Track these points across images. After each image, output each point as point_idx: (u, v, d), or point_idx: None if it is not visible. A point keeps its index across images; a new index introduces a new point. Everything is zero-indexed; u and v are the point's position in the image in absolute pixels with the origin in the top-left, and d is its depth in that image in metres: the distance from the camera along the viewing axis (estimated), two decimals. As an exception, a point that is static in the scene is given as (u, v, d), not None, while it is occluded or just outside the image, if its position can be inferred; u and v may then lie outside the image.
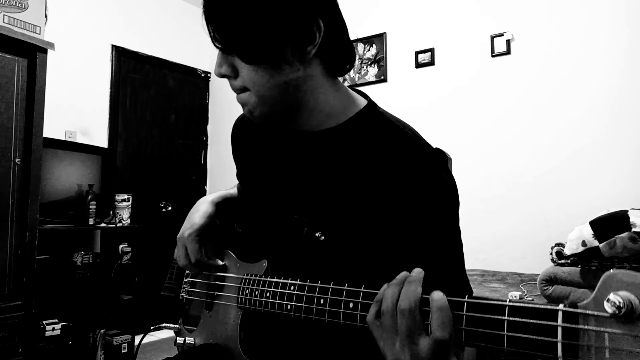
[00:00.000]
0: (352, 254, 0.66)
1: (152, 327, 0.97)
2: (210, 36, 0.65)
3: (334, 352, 0.70)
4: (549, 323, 0.40)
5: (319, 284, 0.61)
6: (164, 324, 0.91)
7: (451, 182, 0.68)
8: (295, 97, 0.68)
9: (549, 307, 0.41)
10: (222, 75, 0.68)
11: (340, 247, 0.67)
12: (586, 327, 0.38)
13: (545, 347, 0.40)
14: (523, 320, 0.42)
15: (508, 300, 0.44)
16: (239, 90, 0.68)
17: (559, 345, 0.39)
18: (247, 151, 0.85)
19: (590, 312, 0.38)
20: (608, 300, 0.37)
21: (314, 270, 0.64)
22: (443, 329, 0.46)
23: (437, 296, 0.48)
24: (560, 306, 0.40)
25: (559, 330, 0.40)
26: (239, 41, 0.63)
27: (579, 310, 0.39)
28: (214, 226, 0.86)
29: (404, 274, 0.53)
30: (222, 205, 0.89)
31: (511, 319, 0.43)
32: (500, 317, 0.44)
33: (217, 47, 0.66)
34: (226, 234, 0.87)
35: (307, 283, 0.62)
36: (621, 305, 0.36)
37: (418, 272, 0.52)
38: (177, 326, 0.89)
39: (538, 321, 0.41)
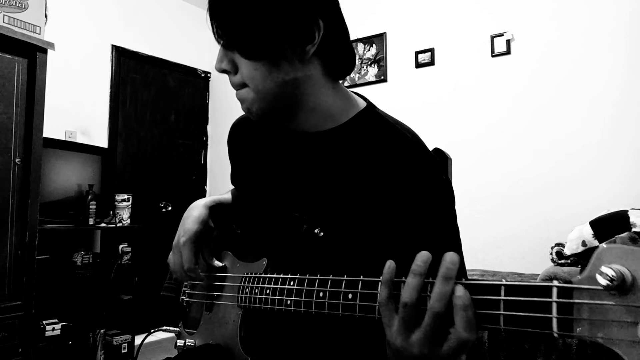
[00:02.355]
0: (351, 251, 0.66)
1: (152, 330, 0.97)
2: (213, 31, 0.66)
3: (334, 349, 0.70)
4: (544, 300, 0.41)
5: (318, 277, 0.61)
6: (165, 327, 0.91)
7: (448, 182, 0.69)
8: (293, 96, 0.68)
9: (543, 284, 0.41)
10: (222, 70, 0.69)
11: (339, 243, 0.67)
12: (579, 300, 0.39)
13: (541, 323, 0.41)
14: (519, 298, 0.42)
15: (503, 280, 0.44)
16: (238, 86, 0.69)
17: (554, 321, 0.40)
18: (245, 152, 0.85)
19: (583, 286, 0.39)
20: (601, 274, 0.37)
21: (313, 267, 0.65)
22: (470, 330, 0.45)
23: (460, 292, 0.45)
24: (555, 282, 0.41)
25: (554, 305, 0.40)
26: (239, 37, 0.64)
27: (572, 285, 0.40)
28: (208, 230, 0.86)
29: (424, 257, 0.49)
30: (216, 209, 0.89)
31: (507, 298, 0.43)
32: (496, 298, 0.44)
33: (219, 42, 0.67)
34: (225, 235, 0.87)
35: (307, 277, 0.62)
36: (614, 277, 0.36)
37: (455, 262, 0.47)
38: (178, 329, 0.89)
39: (533, 298, 0.41)
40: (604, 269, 0.37)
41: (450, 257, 0.47)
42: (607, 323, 0.37)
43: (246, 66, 0.66)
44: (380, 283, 0.52)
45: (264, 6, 0.62)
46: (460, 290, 0.45)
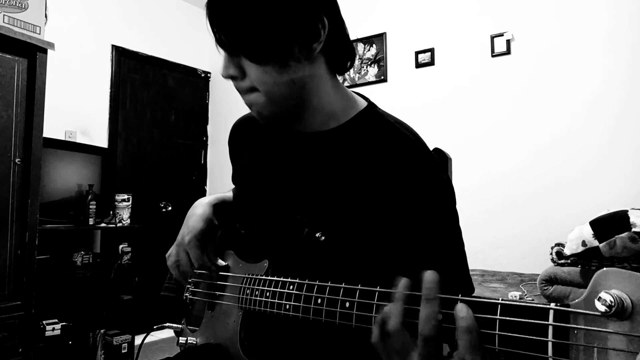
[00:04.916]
0: (352, 255, 0.66)
1: (155, 327, 0.97)
2: (216, 39, 0.65)
3: (333, 353, 0.70)
4: (540, 322, 0.40)
5: (317, 283, 0.61)
6: (167, 324, 0.91)
7: (449, 182, 0.69)
8: (300, 96, 0.68)
9: (540, 305, 0.41)
10: (229, 77, 0.68)
11: (340, 247, 0.67)
12: (576, 325, 0.38)
13: (536, 346, 0.40)
14: (514, 319, 0.42)
15: (500, 298, 0.43)
16: (246, 91, 0.68)
17: (550, 345, 0.39)
18: (247, 153, 0.85)
19: (581, 310, 0.38)
20: (599, 299, 0.36)
21: (314, 270, 0.65)
22: (473, 352, 0.42)
23: (463, 313, 0.43)
24: (552, 305, 0.40)
25: (550, 329, 0.39)
26: (246, 42, 0.63)
27: (570, 309, 0.39)
28: (212, 228, 0.85)
29: (403, 284, 0.48)
30: (219, 207, 0.89)
31: (503, 318, 0.42)
32: (492, 317, 0.43)
33: (223, 49, 0.66)
34: (228, 235, 0.87)
35: (306, 282, 0.62)
36: (612, 303, 0.35)
37: (433, 281, 0.45)
38: (180, 326, 0.89)
39: (529, 320, 0.41)
40: (602, 294, 0.36)
41: (428, 276, 0.45)
42: (604, 351, 0.36)
43: (255, 70, 0.65)
44: (373, 323, 0.51)
45: (269, 8, 0.62)
46: (462, 310, 0.43)
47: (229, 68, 0.67)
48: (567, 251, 1.86)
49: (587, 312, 0.38)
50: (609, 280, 0.37)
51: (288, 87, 0.66)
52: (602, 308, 0.36)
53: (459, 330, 0.43)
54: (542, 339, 0.40)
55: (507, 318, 0.42)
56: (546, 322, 0.40)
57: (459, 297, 0.46)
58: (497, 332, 0.42)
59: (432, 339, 0.44)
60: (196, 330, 0.84)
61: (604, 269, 0.37)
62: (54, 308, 2.58)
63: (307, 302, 0.61)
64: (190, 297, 0.88)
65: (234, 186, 0.94)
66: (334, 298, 0.58)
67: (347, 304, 0.56)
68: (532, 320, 0.41)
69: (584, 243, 1.78)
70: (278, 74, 0.64)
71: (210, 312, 0.82)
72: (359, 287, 0.55)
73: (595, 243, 1.75)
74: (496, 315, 0.43)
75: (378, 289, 0.53)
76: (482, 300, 0.44)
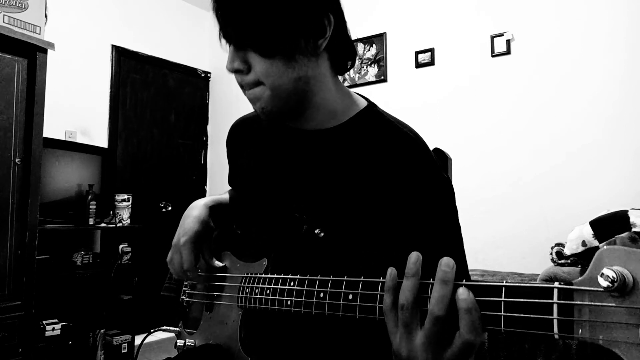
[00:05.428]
0: (351, 251, 0.66)
1: (152, 330, 0.97)
2: (224, 32, 0.66)
3: (335, 351, 0.70)
4: (545, 301, 0.41)
5: (318, 277, 0.61)
6: (165, 327, 0.91)
7: (449, 180, 0.69)
8: (304, 93, 0.69)
9: (544, 285, 0.41)
10: (234, 71, 0.68)
11: (339, 244, 0.67)
12: (580, 302, 0.39)
13: (542, 325, 0.40)
14: (519, 300, 0.42)
15: (504, 281, 0.44)
16: (251, 85, 0.68)
17: (555, 322, 0.40)
18: (245, 153, 0.85)
19: (584, 287, 0.39)
20: (602, 275, 0.37)
21: (314, 267, 0.64)
22: (474, 332, 0.44)
23: (464, 295, 0.45)
24: (556, 284, 0.41)
25: (555, 307, 0.40)
26: (254, 34, 0.64)
27: (573, 287, 0.39)
28: (208, 230, 0.85)
29: (414, 258, 0.49)
30: (215, 209, 0.89)
31: (508, 299, 0.43)
32: (497, 299, 0.44)
33: (229, 42, 0.66)
34: (225, 235, 0.87)
35: (307, 277, 0.62)
36: (614, 279, 0.36)
37: (450, 265, 0.47)
38: (178, 329, 0.89)
39: (534, 300, 0.41)
40: (605, 270, 0.37)
41: (445, 260, 0.47)
42: (608, 325, 0.37)
43: (261, 63, 0.65)
44: (384, 291, 0.51)
45: (278, 1, 0.63)
46: (463, 293, 0.45)
47: (235, 61, 0.67)
48: (567, 251, 1.87)
49: (591, 288, 0.38)
50: (611, 257, 0.38)
51: (293, 82, 0.66)
52: (604, 284, 0.37)
53: (460, 311, 0.45)
54: (547, 317, 0.40)
55: (512, 299, 0.43)
56: (551, 301, 0.40)
57: (464, 282, 0.47)
58: (502, 313, 0.43)
59: (441, 319, 0.46)
60: (194, 333, 0.84)
61: (606, 247, 0.38)
62: (54, 308, 2.58)
63: (309, 297, 0.61)
64: (187, 299, 0.88)
65: (230, 187, 0.94)
66: (336, 291, 0.57)
67: (351, 296, 0.56)
68: (537, 300, 0.41)
69: (584, 243, 1.79)
70: (284, 68, 0.65)
71: (209, 313, 0.82)
72: (362, 278, 0.56)
73: (595, 243, 1.75)
74: (501, 297, 0.44)
75: (381, 279, 0.53)
76: (487, 284, 0.45)
